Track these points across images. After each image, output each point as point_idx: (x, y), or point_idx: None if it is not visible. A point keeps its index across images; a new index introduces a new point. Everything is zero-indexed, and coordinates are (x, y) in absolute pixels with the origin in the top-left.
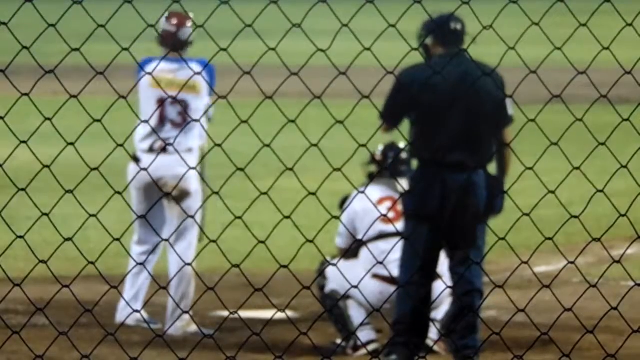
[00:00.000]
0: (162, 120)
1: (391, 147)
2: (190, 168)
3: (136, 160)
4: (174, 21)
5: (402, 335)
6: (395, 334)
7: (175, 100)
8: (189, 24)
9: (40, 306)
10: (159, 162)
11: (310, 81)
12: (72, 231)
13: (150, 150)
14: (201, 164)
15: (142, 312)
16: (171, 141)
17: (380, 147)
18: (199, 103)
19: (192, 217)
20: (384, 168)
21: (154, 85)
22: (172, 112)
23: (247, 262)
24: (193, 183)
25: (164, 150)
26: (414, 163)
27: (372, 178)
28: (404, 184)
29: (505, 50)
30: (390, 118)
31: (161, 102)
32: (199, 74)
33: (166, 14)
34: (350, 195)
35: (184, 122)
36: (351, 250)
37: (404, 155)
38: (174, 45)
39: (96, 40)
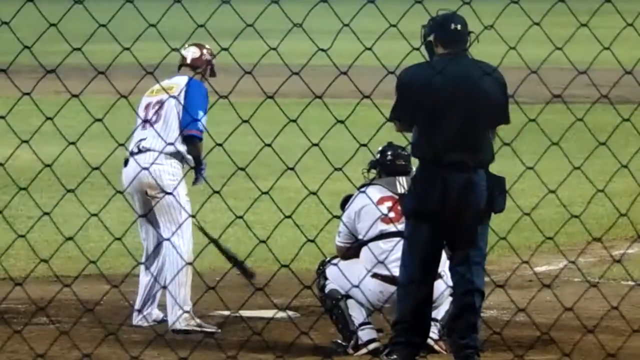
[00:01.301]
0: (145, 122)
1: (390, 146)
2: (194, 165)
3: (125, 164)
4: (194, 49)
5: (403, 335)
6: (396, 333)
7: (156, 102)
8: (207, 51)
9: (41, 305)
10: (136, 161)
11: (311, 81)
12: (73, 230)
13: (132, 153)
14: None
15: (156, 311)
16: (148, 140)
17: (379, 149)
18: (173, 102)
19: (192, 216)
20: (384, 166)
21: (147, 95)
22: (151, 112)
23: (248, 262)
24: (166, 178)
25: (139, 149)
26: (416, 162)
27: (372, 179)
28: (404, 182)
29: (506, 50)
30: (402, 117)
31: (147, 107)
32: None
33: (187, 45)
34: (352, 195)
35: (156, 120)
36: (352, 250)
37: (401, 152)
38: (189, 66)
39: (97, 40)
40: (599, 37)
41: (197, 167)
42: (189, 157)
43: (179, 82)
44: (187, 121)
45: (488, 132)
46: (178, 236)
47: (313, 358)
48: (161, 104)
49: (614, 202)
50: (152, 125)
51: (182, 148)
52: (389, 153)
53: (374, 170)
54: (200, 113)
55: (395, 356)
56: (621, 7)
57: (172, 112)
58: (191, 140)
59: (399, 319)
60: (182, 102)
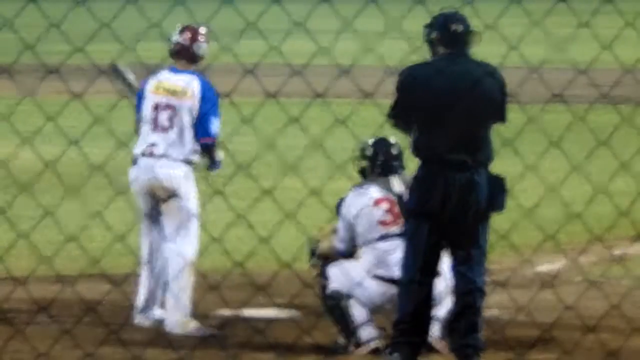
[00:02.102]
0: (155, 125)
1: (381, 142)
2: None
3: (134, 164)
4: (188, 35)
5: (404, 335)
6: (397, 333)
7: (167, 105)
8: (202, 38)
9: (43, 305)
10: (149, 165)
11: (312, 80)
12: (75, 230)
13: (142, 154)
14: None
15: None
16: (160, 145)
17: (370, 142)
18: (188, 109)
19: (191, 215)
20: (375, 164)
21: (153, 91)
22: (163, 116)
23: (250, 261)
24: (182, 184)
25: (151, 154)
26: (417, 162)
27: (363, 174)
28: (396, 181)
29: (507, 49)
30: (400, 117)
31: (156, 108)
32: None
33: (179, 27)
34: (346, 197)
35: (170, 126)
36: (346, 253)
37: (394, 150)
38: (186, 58)
39: (99, 40)
40: (600, 37)
41: (212, 160)
42: (199, 159)
43: (191, 85)
44: (203, 130)
45: (488, 131)
46: (185, 239)
47: (314, 357)
48: (174, 110)
49: (615, 201)
50: (164, 130)
51: (195, 156)
52: (382, 152)
53: (364, 165)
54: (216, 120)
55: (396, 355)
56: (621, 8)
57: (188, 121)
58: (207, 147)
59: (400, 319)
60: (197, 108)
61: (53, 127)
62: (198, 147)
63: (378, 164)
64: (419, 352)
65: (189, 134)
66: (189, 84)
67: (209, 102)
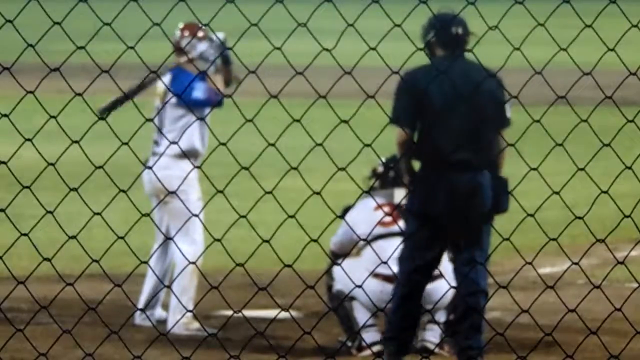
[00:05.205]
0: (157, 126)
1: (393, 159)
2: (197, 166)
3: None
4: (180, 32)
5: (393, 329)
6: (386, 330)
7: (157, 106)
8: (191, 33)
9: (44, 304)
10: (151, 165)
11: (315, 81)
12: (77, 229)
13: (149, 156)
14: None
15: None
16: (158, 144)
17: (382, 160)
18: (168, 105)
19: (196, 215)
20: (386, 179)
21: (154, 94)
22: (159, 117)
23: (252, 262)
24: (174, 185)
25: (154, 153)
26: (418, 164)
27: (372, 188)
28: (401, 193)
29: (510, 51)
30: (403, 120)
31: (156, 109)
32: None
33: (180, 25)
34: (352, 206)
35: (163, 126)
36: (346, 251)
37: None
38: (176, 53)
39: (101, 39)
40: (604, 38)
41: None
42: (199, 151)
43: (165, 80)
44: (187, 98)
45: (491, 133)
46: (186, 240)
47: (316, 358)
48: (160, 109)
49: (618, 203)
50: (160, 130)
51: (195, 150)
52: (392, 164)
53: (375, 185)
54: (197, 92)
55: (387, 349)
56: (626, 9)
57: (167, 115)
58: (196, 104)
59: (391, 318)
60: (173, 101)
61: (55, 126)
62: (193, 139)
63: (388, 180)
64: (407, 350)
65: (171, 127)
66: (161, 85)
67: (184, 86)
